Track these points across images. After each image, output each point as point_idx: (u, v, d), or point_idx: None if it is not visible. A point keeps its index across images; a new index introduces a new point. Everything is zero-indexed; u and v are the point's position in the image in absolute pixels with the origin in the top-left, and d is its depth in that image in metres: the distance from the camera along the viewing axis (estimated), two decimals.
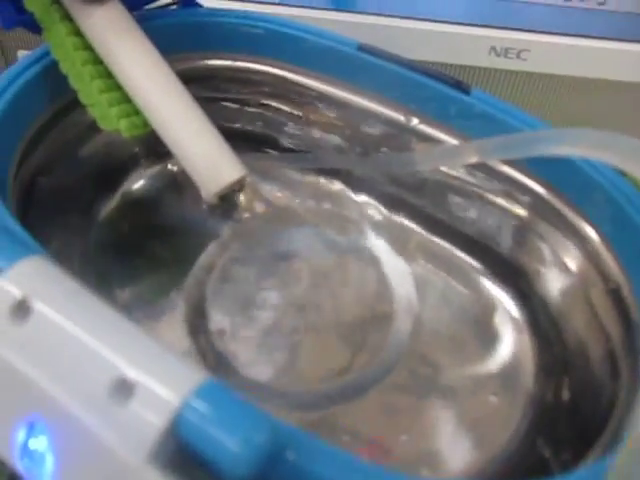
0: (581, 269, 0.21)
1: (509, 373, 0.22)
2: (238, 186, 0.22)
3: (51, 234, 0.23)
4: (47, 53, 0.22)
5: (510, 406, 0.22)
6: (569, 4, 0.35)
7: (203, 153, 0.21)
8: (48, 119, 0.22)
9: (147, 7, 0.24)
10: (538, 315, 0.23)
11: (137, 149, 0.25)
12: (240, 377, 0.21)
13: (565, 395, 0.20)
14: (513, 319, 0.24)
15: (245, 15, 0.24)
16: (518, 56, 0.36)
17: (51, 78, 0.22)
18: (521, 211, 0.23)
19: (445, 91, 0.23)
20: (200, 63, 0.25)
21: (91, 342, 0.12)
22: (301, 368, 0.22)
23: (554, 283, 0.22)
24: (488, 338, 0.23)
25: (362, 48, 0.23)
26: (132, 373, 0.12)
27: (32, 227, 0.21)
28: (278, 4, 0.33)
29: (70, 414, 0.12)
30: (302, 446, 0.12)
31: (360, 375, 0.22)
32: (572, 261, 0.21)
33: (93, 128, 0.22)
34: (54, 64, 0.21)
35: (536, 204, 0.23)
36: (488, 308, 0.24)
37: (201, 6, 0.26)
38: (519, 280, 0.24)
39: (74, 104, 0.22)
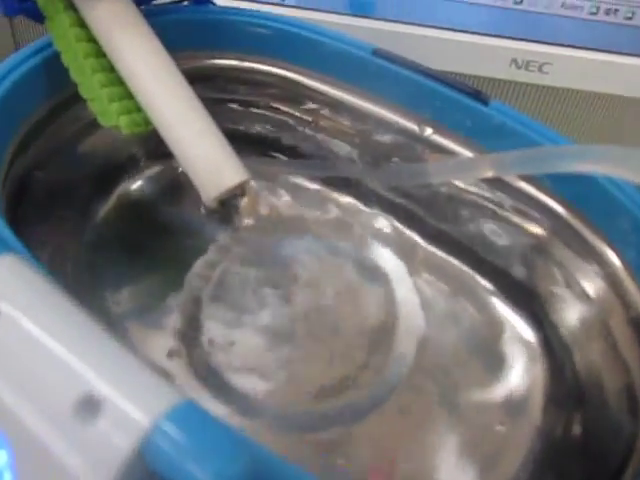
0: (600, 295, 0.20)
1: (518, 402, 0.21)
2: (240, 191, 0.21)
3: (45, 232, 0.22)
4: (49, 45, 0.21)
5: (517, 437, 0.20)
6: (594, 18, 0.34)
7: (204, 155, 0.20)
8: (46, 113, 0.22)
9: (156, 3, 0.24)
10: (551, 342, 0.21)
11: (137, 149, 0.24)
12: (231, 391, 0.20)
13: (577, 430, 0.19)
14: (524, 344, 0.22)
15: (256, 14, 0.23)
16: (540, 69, 0.35)
17: (51, 71, 0.21)
18: (537, 230, 0.22)
19: (462, 101, 0.21)
20: (207, 62, 0.24)
21: (59, 352, 0.11)
22: (297, 385, 0.21)
23: (570, 308, 0.21)
24: (496, 363, 0.22)
25: (377, 53, 0.22)
26: (101, 389, 0.11)
27: (25, 223, 0.21)
28: (294, 7, 0.32)
29: (32, 430, 0.11)
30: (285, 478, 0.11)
31: (360, 396, 0.21)
32: (591, 286, 0.20)
33: (93, 125, 0.22)
34: (55, 56, 0.21)
35: (554, 224, 0.22)
36: (497, 331, 0.23)
37: (214, 4, 0.25)
38: (532, 303, 0.23)
39: (74, 99, 0.21)
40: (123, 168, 0.24)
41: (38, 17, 0.20)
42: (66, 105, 0.22)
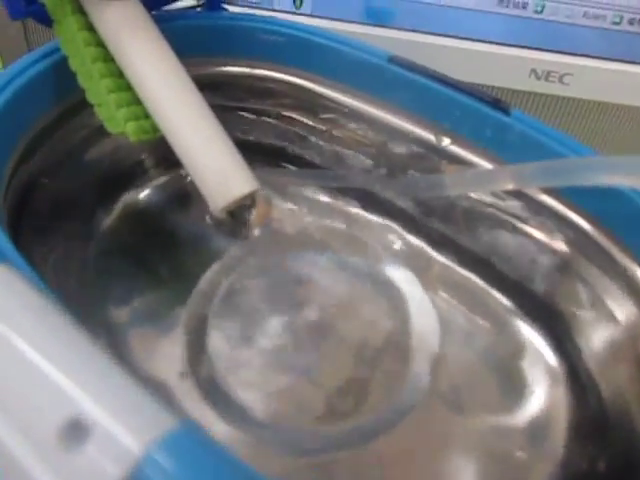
0: (628, 317, 0.19)
1: (539, 428, 0.20)
2: (249, 201, 0.20)
3: (49, 241, 0.21)
4: (57, 49, 0.20)
5: (538, 466, 0.19)
6: (618, 27, 0.33)
7: (213, 163, 0.19)
8: (53, 119, 0.21)
9: (168, 8, 0.23)
10: (575, 365, 0.20)
11: (145, 157, 0.24)
12: (237, 411, 0.19)
13: (602, 463, 0.18)
14: (545, 367, 0.21)
15: (269, 20, 0.23)
16: (560, 80, 0.34)
17: (60, 76, 0.20)
18: (560, 246, 0.21)
19: (482, 110, 0.21)
20: (218, 69, 0.23)
21: (47, 370, 0.10)
22: (304, 406, 0.20)
23: (595, 330, 0.20)
24: (516, 386, 0.21)
25: (393, 60, 0.22)
26: (89, 412, 0.10)
27: (28, 231, 0.20)
28: (309, 15, 0.32)
29: (13, 456, 0.10)
30: None
31: (370, 418, 0.20)
32: (618, 307, 0.19)
33: (101, 132, 0.21)
34: (64, 61, 0.20)
35: (578, 239, 0.21)
36: (517, 352, 0.21)
37: (226, 10, 0.24)
38: (554, 323, 0.22)
39: (82, 105, 0.21)
40: (130, 177, 0.24)
41: (46, 20, 0.20)
42: (74, 111, 0.22)
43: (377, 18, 0.33)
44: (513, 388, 0.21)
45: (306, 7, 0.33)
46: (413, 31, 0.33)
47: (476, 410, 0.20)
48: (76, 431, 0.10)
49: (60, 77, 0.21)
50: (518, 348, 0.22)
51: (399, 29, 0.33)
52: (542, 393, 0.20)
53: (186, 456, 0.09)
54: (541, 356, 0.21)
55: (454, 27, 0.33)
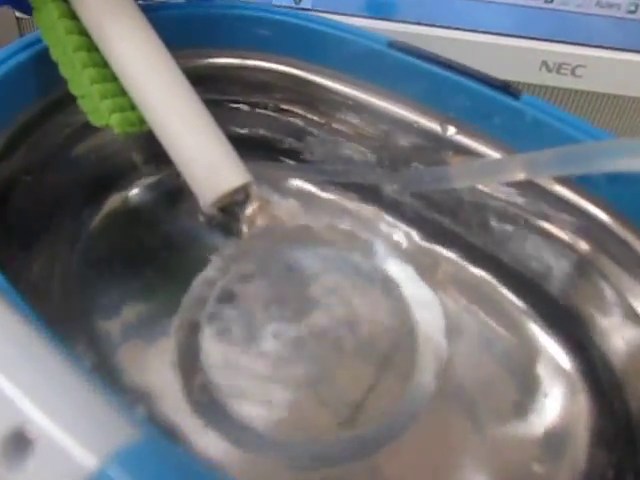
0: None
1: (558, 439, 0.18)
2: (242, 196, 0.19)
3: (32, 241, 0.20)
4: (39, 40, 0.19)
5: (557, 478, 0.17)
6: (632, 17, 0.32)
7: (202, 155, 0.18)
8: (37, 114, 0.20)
9: None
10: (597, 371, 0.19)
11: (134, 154, 0.23)
12: (234, 423, 0.18)
13: (630, 475, 0.16)
14: (564, 373, 0.20)
15: (261, 7, 0.22)
16: (573, 72, 0.32)
17: (42, 68, 0.19)
18: (578, 241, 0.20)
19: (489, 95, 0.19)
20: (208, 61, 0.22)
21: None
22: (307, 416, 0.18)
23: (618, 333, 0.18)
24: (532, 393, 0.19)
25: (393, 45, 0.20)
26: (35, 423, 0.08)
27: (8, 233, 0.19)
28: (309, 9, 0.31)
29: None
30: None
31: (373, 429, 0.18)
32: None
33: (89, 127, 0.20)
34: (47, 52, 0.19)
35: (597, 234, 0.19)
36: (533, 357, 0.20)
37: None
38: (573, 326, 0.20)
39: (69, 99, 0.19)
40: (119, 175, 0.23)
41: (25, 8, 0.19)
42: (59, 105, 0.21)
43: (379, 11, 0.32)
44: (528, 395, 0.19)
45: (306, 1, 0.32)
46: (417, 24, 0.32)
47: (489, 419, 0.19)
48: (19, 444, 0.08)
49: (43, 69, 0.19)
50: (533, 352, 0.20)
51: (402, 22, 0.32)
52: (560, 400, 0.19)
53: (145, 471, 0.08)
54: (558, 360, 0.20)
55: (460, 18, 0.32)
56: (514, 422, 0.19)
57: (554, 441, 0.18)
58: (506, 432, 0.18)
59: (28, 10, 0.19)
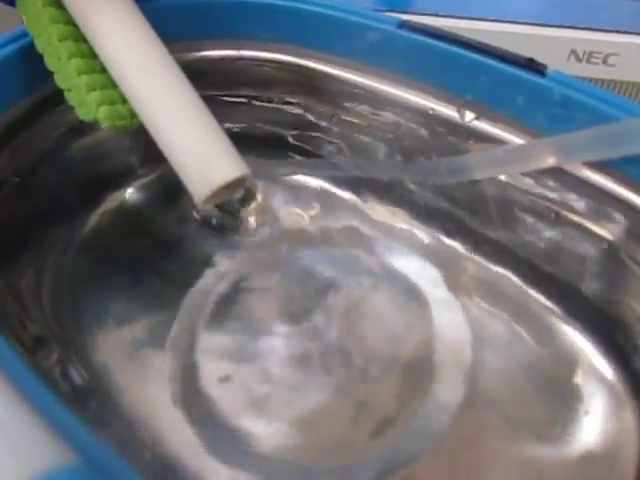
0: None
1: (603, 459, 0.16)
2: (239, 191, 0.18)
3: (21, 248, 0.19)
4: (25, 33, 0.18)
5: None
6: None
7: (194, 146, 0.17)
8: (26, 111, 0.19)
9: None
10: None
11: (130, 154, 0.22)
12: (235, 442, 0.17)
13: None
14: (605, 384, 0.18)
15: None
16: (605, 61, 0.30)
17: (31, 62, 0.18)
18: (615, 235, 0.18)
19: (511, 73, 0.18)
20: (201, 54, 0.21)
21: None
22: (316, 435, 0.17)
23: None
24: (570, 409, 0.17)
25: (404, 25, 0.19)
26: None
27: None
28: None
29: None
30: None
31: (387, 451, 0.17)
32: None
33: (80, 127, 0.19)
34: (33, 47, 0.18)
35: (637, 227, 0.17)
36: (570, 367, 0.18)
37: None
38: (613, 330, 0.18)
39: (58, 97, 0.18)
40: (114, 176, 0.22)
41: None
42: (51, 102, 0.20)
43: (395, 3, 0.31)
44: (565, 411, 0.17)
45: None
46: (435, 15, 0.30)
47: (518, 440, 0.17)
48: None
49: (31, 64, 0.18)
50: (569, 361, 0.18)
51: (419, 14, 0.30)
52: (602, 416, 0.17)
53: None
54: (598, 370, 0.18)
55: (480, 9, 0.31)
56: (547, 443, 0.17)
57: (597, 465, 0.16)
58: (541, 454, 0.17)
59: (11, 1, 0.18)
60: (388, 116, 0.20)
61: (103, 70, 0.18)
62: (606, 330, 0.18)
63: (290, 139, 0.23)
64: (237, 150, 0.17)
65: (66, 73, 0.18)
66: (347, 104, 0.21)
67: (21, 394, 0.08)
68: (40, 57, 0.18)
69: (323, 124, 0.22)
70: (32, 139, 0.20)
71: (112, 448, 0.11)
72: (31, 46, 0.18)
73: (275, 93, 0.22)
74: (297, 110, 0.22)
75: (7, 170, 0.19)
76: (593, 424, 0.17)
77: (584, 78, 0.31)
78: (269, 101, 0.22)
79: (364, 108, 0.21)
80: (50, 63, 0.18)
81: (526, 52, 0.32)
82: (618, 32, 0.30)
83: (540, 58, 0.32)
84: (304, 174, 0.22)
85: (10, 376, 0.08)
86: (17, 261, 0.19)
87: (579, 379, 0.18)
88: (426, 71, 0.19)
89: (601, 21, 0.30)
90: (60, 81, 0.18)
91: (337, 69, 0.20)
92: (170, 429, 0.17)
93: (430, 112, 0.19)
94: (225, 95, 0.22)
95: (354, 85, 0.21)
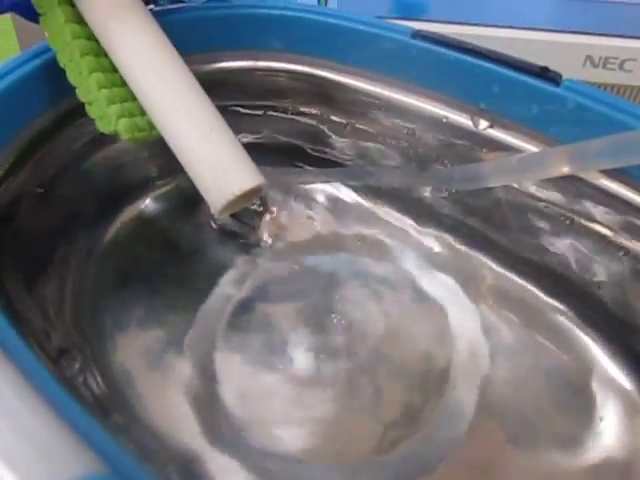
0: None
1: (617, 466, 0.16)
2: (257, 202, 0.18)
3: (45, 257, 0.19)
4: (47, 49, 0.19)
5: None
6: None
7: (211, 157, 0.17)
8: (49, 123, 0.20)
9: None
10: None
11: (149, 165, 0.22)
12: (254, 454, 0.17)
13: None
14: (621, 391, 0.18)
15: (270, 5, 0.21)
16: (621, 67, 0.30)
17: (54, 77, 0.19)
18: (631, 243, 0.18)
19: (526, 82, 0.18)
20: (218, 66, 0.21)
21: None
22: (327, 446, 0.17)
23: None
24: (586, 415, 0.17)
25: (418, 35, 0.19)
26: None
27: (18, 246, 0.18)
28: None
29: None
30: None
31: (403, 461, 0.16)
32: None
33: (100, 139, 0.20)
34: (56, 62, 0.18)
35: None
36: (586, 374, 0.18)
37: None
38: (631, 338, 0.18)
39: (79, 110, 0.19)
40: (132, 186, 0.22)
41: (31, 14, 0.18)
42: (73, 115, 0.20)
43: (408, 11, 0.31)
44: (582, 417, 0.17)
45: (332, 3, 0.31)
46: (449, 23, 0.30)
47: (535, 443, 0.17)
48: None
49: (54, 78, 0.19)
50: (585, 368, 0.18)
51: (433, 22, 0.30)
52: (617, 422, 0.17)
53: None
54: (613, 377, 0.18)
55: (494, 15, 0.30)
56: (566, 448, 0.17)
57: (612, 471, 0.16)
58: (557, 460, 0.16)
59: (34, 17, 0.18)
60: (402, 124, 0.20)
61: (123, 83, 0.18)
62: (622, 337, 0.18)
63: (305, 148, 0.23)
64: (252, 160, 0.18)
65: (87, 87, 0.18)
66: (361, 113, 0.21)
67: (49, 404, 0.08)
68: (62, 72, 0.18)
69: (337, 133, 0.22)
70: (54, 151, 0.20)
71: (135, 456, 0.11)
72: (54, 61, 0.19)
73: (290, 103, 0.22)
74: (311, 120, 0.22)
75: (31, 182, 0.19)
76: (608, 430, 0.17)
77: (600, 84, 0.31)
78: (284, 111, 0.22)
79: (378, 117, 0.21)
80: (72, 78, 0.18)
81: (542, 58, 0.32)
82: (634, 38, 0.30)
83: (556, 64, 0.32)
84: (319, 182, 0.22)
85: (38, 386, 0.08)
86: (41, 272, 0.19)
87: (595, 386, 0.18)
88: (440, 80, 0.19)
89: (617, 27, 0.30)
90: (81, 95, 0.18)
91: (351, 79, 0.21)
92: (188, 437, 0.17)
93: (444, 120, 0.20)
94: (241, 105, 0.22)
95: (368, 94, 0.21)
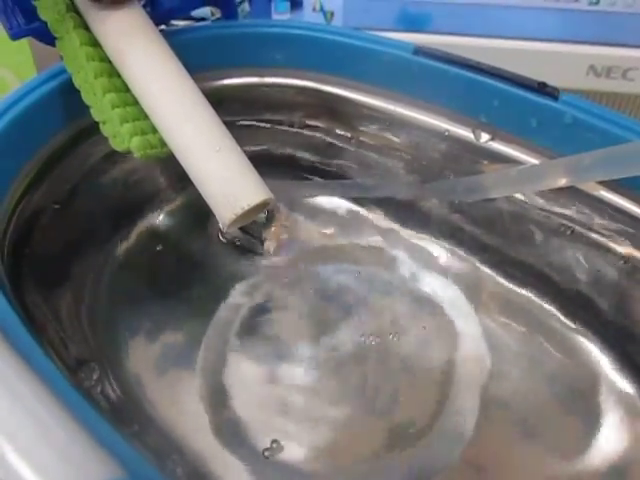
0: None
1: (618, 472, 0.16)
2: (263, 213, 0.18)
3: (62, 270, 0.20)
4: (64, 70, 0.20)
5: None
6: None
7: (220, 173, 0.18)
8: (64, 142, 0.20)
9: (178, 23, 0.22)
10: None
11: (162, 181, 0.22)
12: (266, 462, 0.17)
13: None
14: (622, 397, 0.18)
15: (276, 23, 0.21)
16: (624, 76, 0.30)
17: (69, 97, 0.20)
18: (630, 251, 0.18)
19: (525, 97, 0.18)
20: (224, 82, 0.22)
21: None
22: (336, 451, 0.17)
23: None
24: (586, 421, 0.18)
25: (419, 51, 0.19)
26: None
27: (35, 261, 0.19)
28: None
29: None
30: None
31: (408, 466, 0.17)
32: None
33: (113, 156, 0.20)
34: (71, 82, 0.19)
35: None
36: (586, 380, 0.18)
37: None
38: (631, 345, 0.18)
39: (93, 128, 0.19)
40: (144, 201, 0.22)
41: (48, 38, 0.19)
42: (88, 133, 0.21)
43: (412, 24, 0.31)
44: (584, 424, 0.18)
45: (337, 19, 0.32)
46: (452, 34, 0.31)
47: (537, 449, 0.17)
48: None
49: (70, 98, 0.20)
50: (587, 375, 0.18)
51: (437, 33, 0.31)
52: (620, 429, 0.17)
53: None
54: (614, 384, 0.18)
55: (497, 27, 0.31)
56: (567, 453, 0.17)
57: (614, 477, 0.16)
58: (559, 465, 0.17)
59: (51, 41, 0.19)
60: (405, 138, 0.21)
61: (135, 102, 0.19)
62: (622, 343, 0.18)
63: (311, 161, 0.23)
64: (260, 173, 0.18)
65: (101, 107, 0.19)
66: (365, 127, 0.21)
67: (72, 412, 0.09)
68: (77, 92, 0.19)
69: (342, 146, 0.22)
70: (69, 168, 0.21)
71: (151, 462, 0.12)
72: (69, 82, 0.19)
73: (296, 117, 0.22)
74: (317, 133, 0.22)
75: (48, 197, 0.20)
76: (610, 435, 0.17)
77: (603, 93, 0.31)
78: (290, 125, 0.23)
79: (382, 130, 0.21)
80: (87, 98, 0.19)
81: (545, 68, 0.33)
82: (636, 47, 0.30)
83: (559, 74, 0.32)
84: (325, 195, 0.23)
85: (60, 395, 0.09)
86: (58, 285, 0.20)
87: (596, 392, 0.18)
88: (441, 94, 0.20)
89: (619, 36, 0.30)
90: (96, 115, 0.19)
91: (355, 93, 0.21)
92: (201, 445, 0.17)
93: (446, 133, 0.20)
94: (248, 120, 0.22)
95: (372, 108, 0.21)
